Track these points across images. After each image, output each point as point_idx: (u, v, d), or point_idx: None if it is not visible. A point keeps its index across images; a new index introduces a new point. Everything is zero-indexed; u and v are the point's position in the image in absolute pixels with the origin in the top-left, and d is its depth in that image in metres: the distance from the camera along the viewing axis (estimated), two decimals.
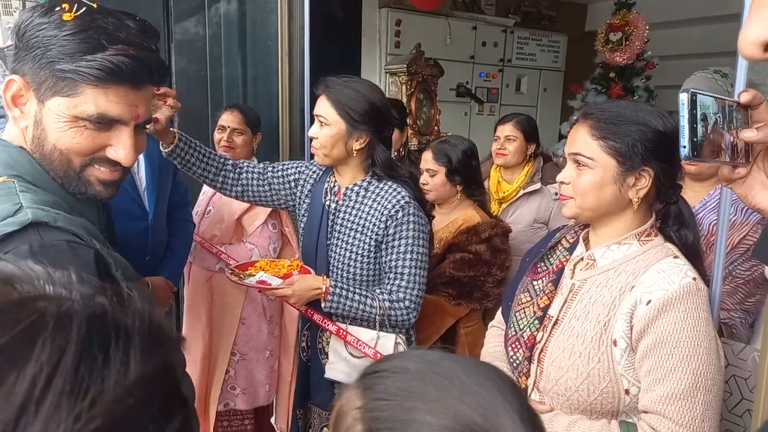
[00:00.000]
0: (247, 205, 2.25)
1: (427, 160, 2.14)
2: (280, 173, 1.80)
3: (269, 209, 2.27)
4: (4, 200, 0.82)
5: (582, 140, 1.15)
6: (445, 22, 4.09)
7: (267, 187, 1.79)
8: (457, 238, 2.04)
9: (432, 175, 2.11)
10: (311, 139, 1.64)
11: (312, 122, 1.67)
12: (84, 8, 0.86)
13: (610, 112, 1.15)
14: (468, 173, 2.12)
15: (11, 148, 0.90)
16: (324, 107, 1.59)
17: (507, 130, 2.56)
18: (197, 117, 3.12)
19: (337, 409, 0.54)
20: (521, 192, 2.56)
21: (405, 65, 3.48)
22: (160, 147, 1.67)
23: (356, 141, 1.60)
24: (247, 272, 1.74)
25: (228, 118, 2.34)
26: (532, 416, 0.52)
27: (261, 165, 1.82)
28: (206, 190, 2.43)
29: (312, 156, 1.70)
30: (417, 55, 3.53)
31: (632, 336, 1.09)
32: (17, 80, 0.88)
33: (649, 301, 1.08)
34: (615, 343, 1.10)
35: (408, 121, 3.13)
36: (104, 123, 0.88)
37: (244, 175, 1.78)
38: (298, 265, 1.76)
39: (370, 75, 3.65)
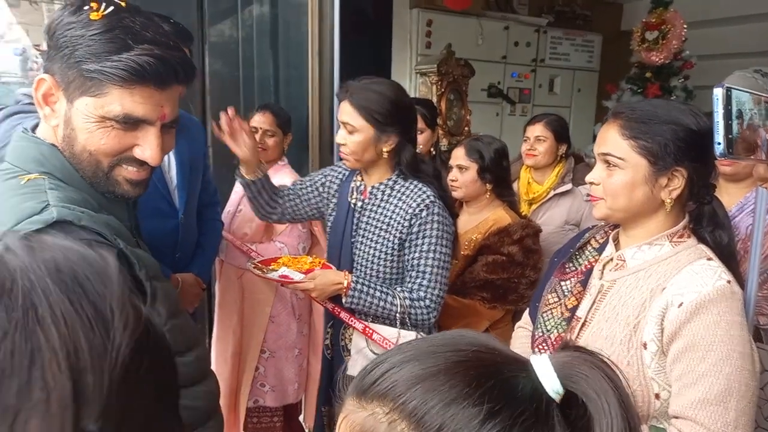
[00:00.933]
0: None
1: (459, 156, 2.12)
2: (308, 183, 1.84)
3: None
4: (32, 197, 0.84)
5: (612, 140, 1.13)
6: (476, 22, 4.06)
7: (298, 200, 1.84)
8: (489, 240, 2.02)
9: (463, 171, 2.10)
10: (339, 146, 1.65)
11: None
12: (112, 7, 0.86)
13: (641, 110, 1.12)
14: (499, 172, 2.10)
15: (43, 145, 0.92)
16: (349, 114, 1.59)
17: (537, 130, 2.53)
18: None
19: (356, 428, 0.50)
20: (551, 193, 2.52)
21: (435, 65, 3.47)
22: (240, 173, 1.77)
23: (385, 143, 1.60)
24: (270, 267, 1.78)
25: (260, 120, 2.37)
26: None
27: (293, 184, 1.88)
28: (237, 190, 2.47)
29: (340, 158, 1.72)
30: (448, 55, 3.51)
31: (663, 339, 1.07)
32: (47, 79, 0.89)
33: (681, 304, 1.05)
34: (645, 345, 1.08)
35: (438, 121, 3.12)
36: (130, 123, 0.88)
37: (286, 199, 1.84)
38: (320, 262, 1.79)
39: (401, 75, 3.66)
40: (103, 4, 0.86)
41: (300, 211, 1.85)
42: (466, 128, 3.65)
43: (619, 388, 0.48)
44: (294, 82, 3.53)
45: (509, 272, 1.98)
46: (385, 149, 1.61)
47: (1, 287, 0.30)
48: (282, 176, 2.37)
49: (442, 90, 3.51)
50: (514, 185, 2.65)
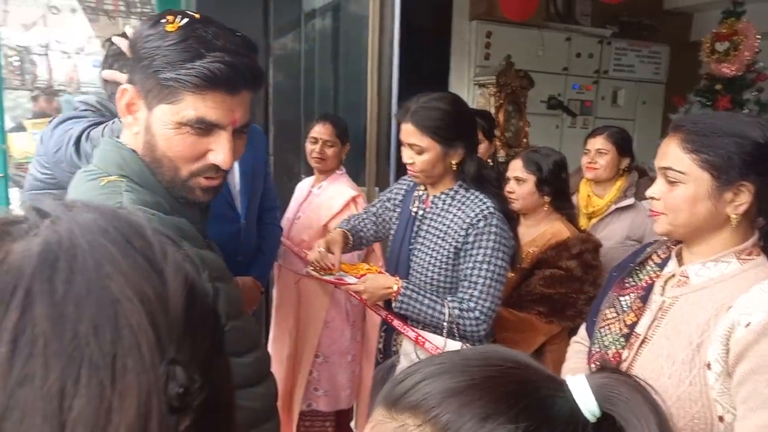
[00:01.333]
0: (335, 211, 2.32)
1: (516, 168, 2.10)
2: (382, 203, 1.94)
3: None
4: (109, 198, 0.90)
5: (673, 154, 1.10)
6: (537, 34, 4.02)
7: (375, 218, 1.94)
8: (546, 254, 1.99)
9: (520, 183, 2.08)
10: (406, 165, 1.67)
11: (399, 132, 1.69)
12: (186, 19, 0.90)
13: (703, 123, 1.09)
14: (557, 185, 2.07)
15: (124, 149, 0.98)
16: (413, 134, 1.59)
17: (598, 143, 2.46)
18: (291, 127, 3.26)
19: None
20: (612, 207, 2.45)
21: (494, 77, 3.46)
22: None
23: (453, 156, 1.62)
24: (327, 271, 1.82)
25: (320, 130, 2.42)
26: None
27: (367, 210, 2.00)
28: (297, 196, 2.54)
29: (399, 173, 1.75)
30: (507, 66, 3.49)
31: (728, 360, 1.02)
32: (129, 89, 0.94)
33: (748, 324, 1.01)
34: (708, 366, 1.04)
35: (496, 132, 3.11)
36: (204, 128, 0.92)
37: (367, 227, 1.94)
38: (376, 270, 1.82)
39: (459, 87, 3.66)
40: (179, 17, 0.90)
41: (381, 231, 1.95)
42: (525, 140, 3.61)
43: (660, 414, 0.46)
44: (352, 93, 3.60)
45: (567, 287, 1.94)
46: (453, 162, 1.62)
47: (69, 253, 0.33)
48: (339, 185, 2.42)
49: (501, 101, 3.49)
50: (573, 198, 2.60)
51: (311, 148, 2.43)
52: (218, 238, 1.30)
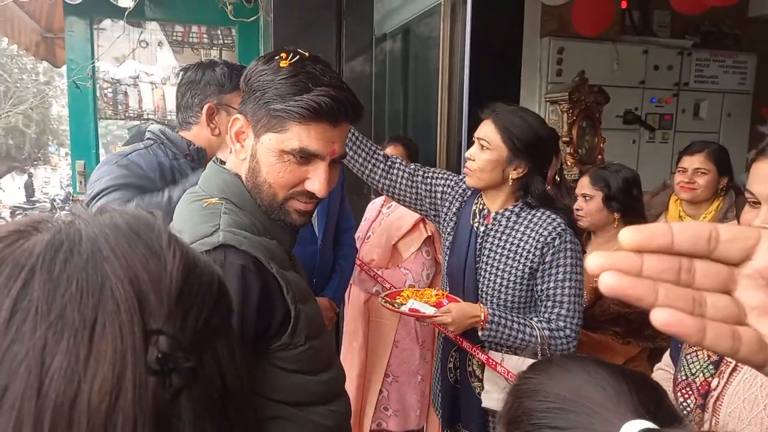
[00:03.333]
0: (404, 231, 2.34)
1: (584, 185, 2.06)
2: (429, 180, 1.79)
3: (424, 236, 2.33)
4: (209, 220, 0.96)
5: None
6: (612, 48, 3.92)
7: (414, 191, 1.79)
8: None
9: (587, 200, 2.02)
10: (467, 160, 1.65)
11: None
12: (297, 56, 0.99)
13: None
14: (627, 201, 2.00)
15: (226, 174, 1.06)
16: (488, 131, 1.60)
17: (697, 161, 2.29)
18: None
19: None
20: None
21: (567, 93, 3.39)
22: None
23: (514, 170, 1.59)
24: (397, 301, 1.76)
25: (391, 152, 2.45)
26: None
27: (412, 166, 1.82)
28: (368, 216, 2.58)
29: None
30: (580, 82, 3.42)
31: None
32: (241, 118, 1.03)
33: None
34: None
35: (569, 149, 3.04)
36: (305, 157, 0.99)
37: (395, 171, 1.79)
38: (444, 294, 1.75)
39: (529, 104, 3.61)
40: (291, 54, 0.99)
41: (408, 199, 1.81)
42: (600, 156, 3.50)
43: None
44: (422, 115, 3.63)
45: None
46: (512, 176, 1.60)
47: (72, 240, 0.40)
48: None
49: (574, 118, 3.41)
50: (662, 218, 2.48)
51: None
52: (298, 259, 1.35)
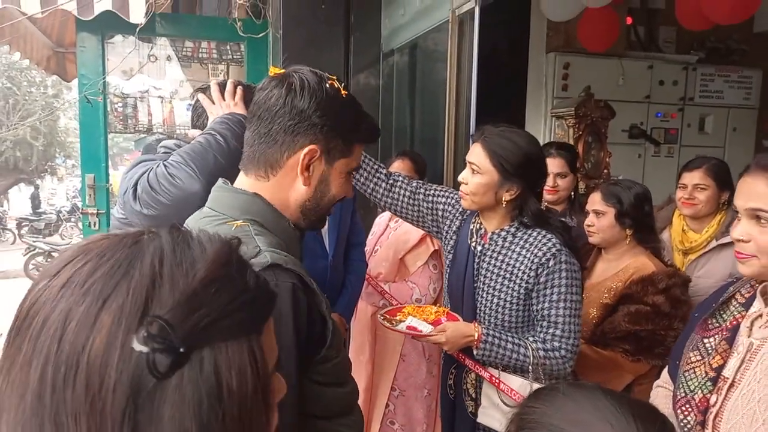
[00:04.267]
0: (411, 245, 2.35)
1: (595, 201, 2.05)
2: (430, 198, 1.81)
3: (431, 250, 2.35)
4: (246, 242, 0.97)
5: (765, 194, 1.05)
6: (617, 63, 3.94)
7: (416, 209, 1.82)
8: (631, 289, 1.91)
9: (599, 216, 2.03)
10: (460, 183, 1.66)
11: None
12: (343, 83, 1.09)
13: None
14: (639, 218, 2.00)
15: (241, 194, 1.06)
16: (477, 155, 1.61)
17: (696, 177, 2.30)
18: None
19: None
20: (713, 243, 2.29)
21: (573, 108, 3.41)
22: None
23: (507, 192, 1.60)
24: (397, 318, 1.76)
25: (399, 166, 2.48)
26: None
27: (414, 184, 1.84)
28: (375, 231, 2.59)
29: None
30: (586, 97, 3.44)
31: None
32: (317, 149, 1.05)
33: None
34: None
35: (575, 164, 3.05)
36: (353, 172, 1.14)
37: (396, 189, 1.81)
38: (444, 311, 1.75)
39: (535, 119, 3.64)
40: (338, 83, 1.08)
41: (411, 216, 1.83)
42: (606, 171, 3.52)
43: None
44: (429, 129, 3.65)
45: (655, 324, 1.85)
46: (505, 198, 1.60)
47: (136, 245, 0.50)
48: None
49: (580, 132, 3.43)
50: (665, 232, 2.48)
51: None
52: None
